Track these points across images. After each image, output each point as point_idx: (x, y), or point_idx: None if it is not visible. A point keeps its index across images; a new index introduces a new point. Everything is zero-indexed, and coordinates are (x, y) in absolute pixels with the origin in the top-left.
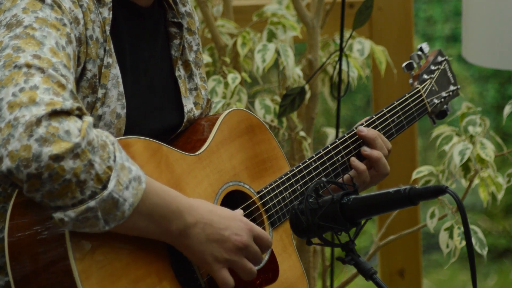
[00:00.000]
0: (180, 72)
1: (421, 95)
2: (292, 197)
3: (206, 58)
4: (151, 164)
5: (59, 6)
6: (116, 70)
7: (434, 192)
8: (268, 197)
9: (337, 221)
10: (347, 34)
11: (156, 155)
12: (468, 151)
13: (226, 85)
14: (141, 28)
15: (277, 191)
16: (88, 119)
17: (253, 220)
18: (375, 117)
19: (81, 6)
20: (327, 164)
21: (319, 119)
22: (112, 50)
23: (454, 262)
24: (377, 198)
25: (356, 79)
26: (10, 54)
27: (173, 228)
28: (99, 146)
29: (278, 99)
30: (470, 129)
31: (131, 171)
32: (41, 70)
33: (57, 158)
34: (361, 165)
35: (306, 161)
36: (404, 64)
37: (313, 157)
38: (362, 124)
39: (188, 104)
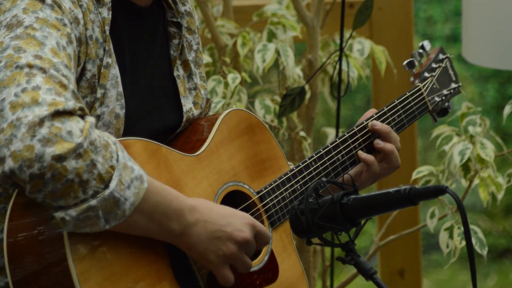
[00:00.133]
0: (179, 71)
1: (422, 93)
2: (292, 197)
3: (206, 58)
4: (151, 165)
5: (59, 6)
6: (115, 70)
7: (434, 192)
8: (268, 197)
9: (337, 221)
10: (347, 34)
11: (156, 156)
12: (468, 151)
13: (226, 85)
14: (140, 28)
15: (277, 191)
16: (90, 119)
17: None
18: (376, 116)
19: (80, 6)
20: (327, 163)
21: (319, 119)
22: (112, 50)
23: (454, 262)
24: (377, 198)
25: (356, 79)
26: (11, 54)
27: (174, 227)
28: (101, 146)
29: (278, 99)
30: (470, 129)
31: (134, 171)
32: (43, 70)
33: (59, 158)
34: (370, 157)
35: (306, 161)
36: (405, 62)
37: (313, 156)
38: (362, 122)
39: (187, 104)
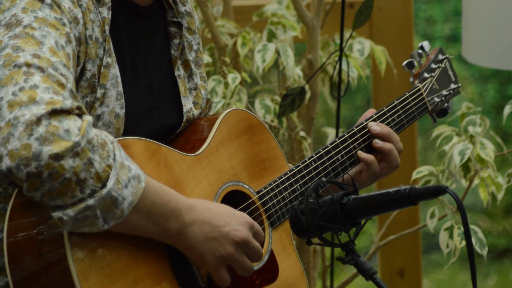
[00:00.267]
0: (179, 71)
1: (421, 94)
2: (292, 196)
3: (206, 58)
4: (150, 165)
5: (59, 6)
6: (115, 70)
7: (434, 192)
8: (267, 197)
9: (337, 221)
10: (347, 34)
11: (155, 156)
12: (468, 151)
13: (226, 85)
14: (140, 28)
15: (276, 191)
16: (88, 118)
17: None
18: (375, 116)
19: (80, 5)
20: (327, 163)
21: (319, 119)
22: (112, 49)
23: (454, 262)
24: (377, 198)
25: (356, 79)
26: (9, 53)
27: (171, 227)
28: (98, 144)
29: (278, 99)
30: (470, 129)
31: (131, 170)
32: (41, 69)
33: (57, 157)
34: (369, 157)
35: (305, 161)
36: (404, 63)
37: (312, 156)
38: (362, 122)
39: (187, 104)
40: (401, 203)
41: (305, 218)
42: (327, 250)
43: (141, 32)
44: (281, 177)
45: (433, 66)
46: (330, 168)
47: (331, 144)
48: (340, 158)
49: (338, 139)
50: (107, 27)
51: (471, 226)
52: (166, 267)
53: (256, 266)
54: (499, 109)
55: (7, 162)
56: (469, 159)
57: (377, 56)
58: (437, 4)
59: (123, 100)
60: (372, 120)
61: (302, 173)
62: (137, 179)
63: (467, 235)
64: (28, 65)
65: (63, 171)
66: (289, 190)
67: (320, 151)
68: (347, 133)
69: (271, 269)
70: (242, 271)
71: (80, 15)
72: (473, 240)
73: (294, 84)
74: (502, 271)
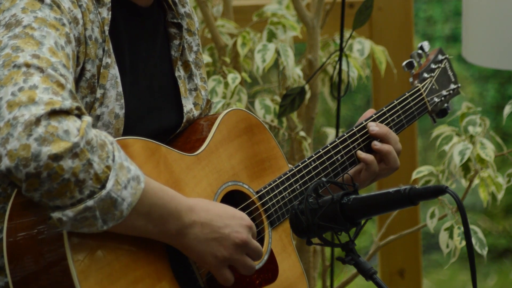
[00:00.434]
0: (180, 72)
1: (421, 94)
2: (291, 196)
3: (206, 58)
4: (150, 165)
5: (58, 6)
6: (115, 70)
7: (434, 192)
8: (267, 197)
9: (337, 221)
10: (347, 34)
11: (155, 156)
12: (468, 151)
13: (226, 85)
14: (140, 28)
15: (276, 191)
16: (87, 118)
17: (252, 220)
18: (375, 116)
19: (80, 6)
20: (327, 163)
21: (319, 119)
22: (111, 50)
23: (454, 262)
24: (377, 198)
25: (356, 79)
26: (9, 53)
27: (170, 227)
28: (98, 145)
29: (278, 99)
30: (470, 129)
31: (130, 171)
32: (40, 69)
33: (56, 157)
34: (369, 156)
35: (305, 161)
36: (404, 63)
37: (312, 156)
38: (361, 123)
39: (188, 105)
40: (401, 203)
41: (305, 218)
42: (327, 250)
43: (141, 32)
44: (281, 177)
45: (433, 66)
46: (330, 168)
47: (330, 144)
48: (339, 158)
49: (338, 139)
50: (106, 28)
51: (471, 226)
52: (166, 267)
53: (256, 266)
54: (499, 109)
55: (6, 163)
56: (469, 159)
57: (377, 56)
58: (437, 4)
59: (122, 101)
60: (371, 120)
61: (302, 173)
62: (137, 180)
63: (467, 235)
64: (28, 65)
65: (62, 172)
66: (289, 190)
67: (319, 151)
68: (347, 133)
69: (271, 269)
70: (244, 270)
71: (79, 16)
72: (473, 240)
73: (294, 84)
74: (502, 271)
